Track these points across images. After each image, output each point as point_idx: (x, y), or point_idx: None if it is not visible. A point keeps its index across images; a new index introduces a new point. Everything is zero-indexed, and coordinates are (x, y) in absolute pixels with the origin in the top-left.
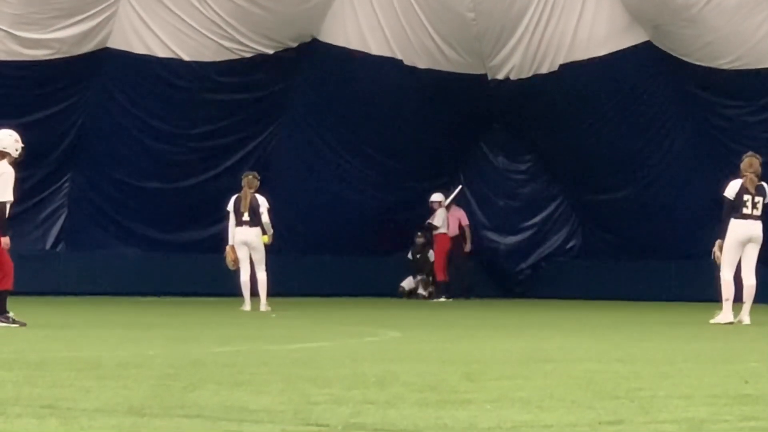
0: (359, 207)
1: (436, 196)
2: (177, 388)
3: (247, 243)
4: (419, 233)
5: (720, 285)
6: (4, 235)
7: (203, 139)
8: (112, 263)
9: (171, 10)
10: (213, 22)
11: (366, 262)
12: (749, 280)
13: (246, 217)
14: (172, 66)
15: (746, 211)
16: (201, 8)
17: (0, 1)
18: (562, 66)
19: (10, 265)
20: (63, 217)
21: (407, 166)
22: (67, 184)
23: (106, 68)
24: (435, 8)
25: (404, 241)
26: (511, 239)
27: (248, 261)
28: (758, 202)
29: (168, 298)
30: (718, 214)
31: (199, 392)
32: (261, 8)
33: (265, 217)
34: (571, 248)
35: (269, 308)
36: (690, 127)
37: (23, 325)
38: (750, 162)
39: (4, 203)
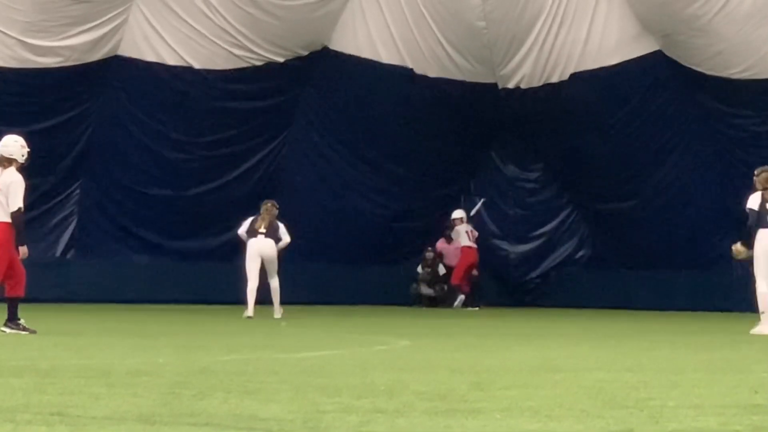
0: (369, 215)
1: (457, 213)
2: (187, 396)
3: (261, 254)
4: (429, 248)
5: (756, 297)
6: (22, 244)
7: (213, 147)
8: (122, 271)
9: (181, 18)
10: (223, 30)
11: (375, 271)
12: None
13: (262, 229)
14: (183, 74)
15: None
16: (211, 16)
17: (11, 9)
18: (572, 75)
19: (22, 272)
20: (73, 224)
21: (417, 175)
22: (77, 192)
23: (116, 76)
24: (445, 17)
25: (414, 250)
26: (521, 248)
27: (258, 271)
28: None
29: (178, 306)
30: (727, 224)
31: (209, 400)
32: (271, 16)
33: (284, 237)
34: (580, 257)
35: (282, 313)
36: (700, 136)
37: (33, 332)
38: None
39: (17, 211)
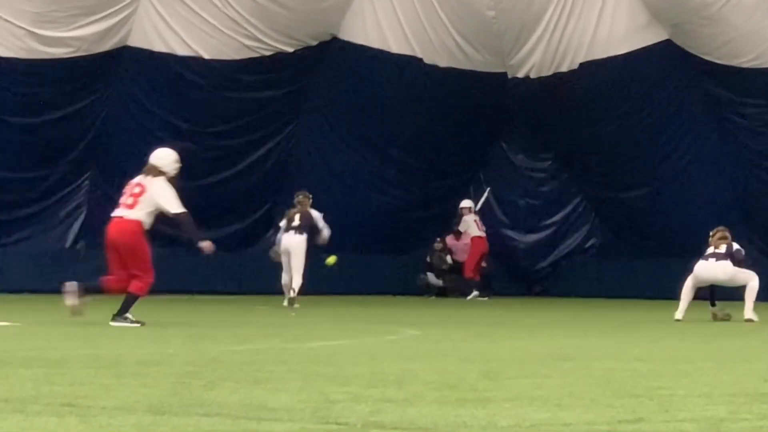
0: (379, 205)
1: (466, 203)
2: (196, 386)
3: (289, 248)
4: (438, 239)
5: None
6: (203, 240)
7: (223, 137)
8: None
9: (191, 8)
10: (233, 20)
11: (384, 260)
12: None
13: (296, 222)
14: (192, 64)
15: (709, 251)
16: (221, 6)
17: (21, 0)
18: (582, 64)
19: (150, 272)
20: (83, 215)
21: (427, 165)
22: (86, 182)
23: (126, 66)
24: (455, 6)
25: (423, 240)
26: (531, 237)
27: (288, 265)
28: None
29: (187, 297)
30: (736, 213)
31: (219, 390)
32: (281, 6)
33: (325, 231)
34: (590, 247)
35: (295, 300)
36: (709, 125)
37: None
38: (723, 235)
39: (179, 214)
